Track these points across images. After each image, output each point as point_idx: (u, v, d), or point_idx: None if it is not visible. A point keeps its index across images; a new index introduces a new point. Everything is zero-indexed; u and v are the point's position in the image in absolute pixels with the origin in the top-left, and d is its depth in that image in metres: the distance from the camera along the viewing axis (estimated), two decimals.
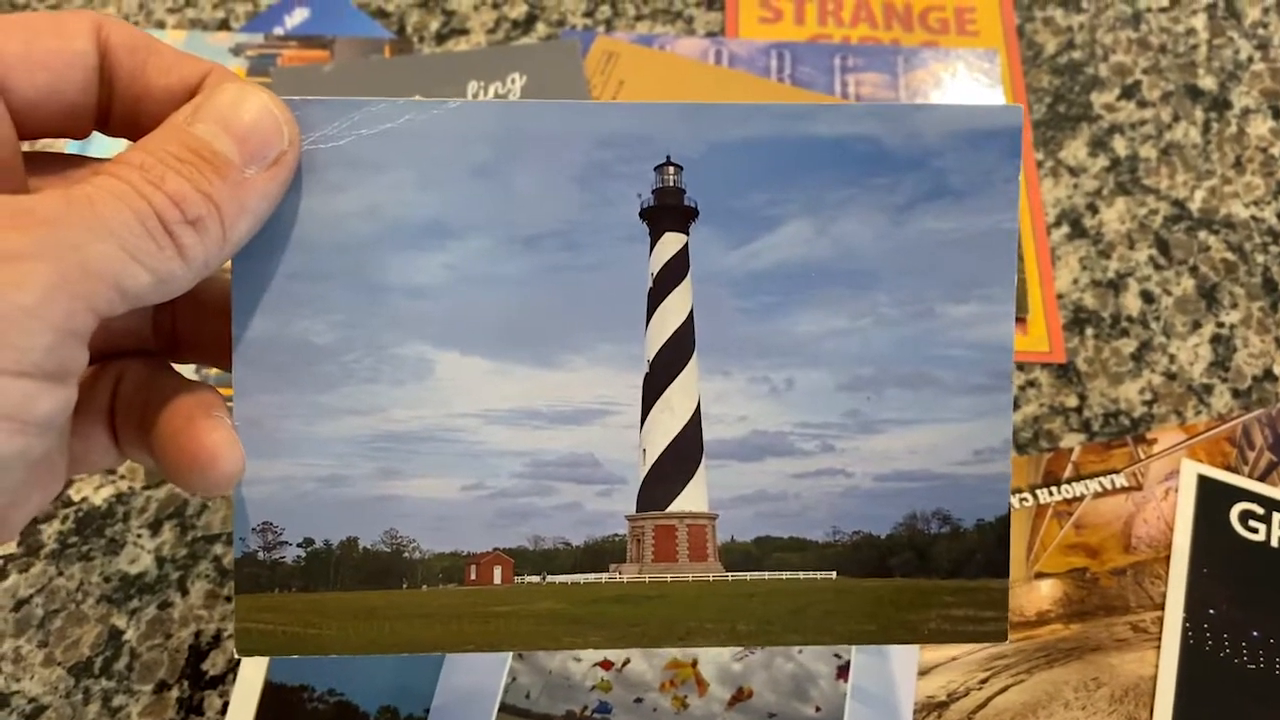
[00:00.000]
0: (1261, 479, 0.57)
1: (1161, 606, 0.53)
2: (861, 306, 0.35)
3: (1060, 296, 0.63)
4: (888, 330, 0.35)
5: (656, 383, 0.38)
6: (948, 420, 0.36)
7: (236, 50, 0.71)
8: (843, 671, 0.50)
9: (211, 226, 0.29)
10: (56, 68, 0.31)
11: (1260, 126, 0.69)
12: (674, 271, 0.37)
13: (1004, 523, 0.36)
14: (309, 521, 0.35)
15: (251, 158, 0.30)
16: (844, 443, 0.36)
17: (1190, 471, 0.56)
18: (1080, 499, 0.56)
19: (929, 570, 0.36)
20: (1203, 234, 0.65)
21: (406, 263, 0.34)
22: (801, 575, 0.37)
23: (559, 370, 0.35)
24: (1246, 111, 0.70)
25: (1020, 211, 0.50)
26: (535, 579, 0.36)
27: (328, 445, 0.35)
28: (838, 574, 0.36)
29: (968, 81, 0.70)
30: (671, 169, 0.35)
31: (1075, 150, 0.68)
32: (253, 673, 0.50)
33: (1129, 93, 0.71)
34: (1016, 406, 0.59)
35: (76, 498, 0.56)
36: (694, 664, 0.51)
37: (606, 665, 0.51)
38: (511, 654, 0.50)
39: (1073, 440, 0.59)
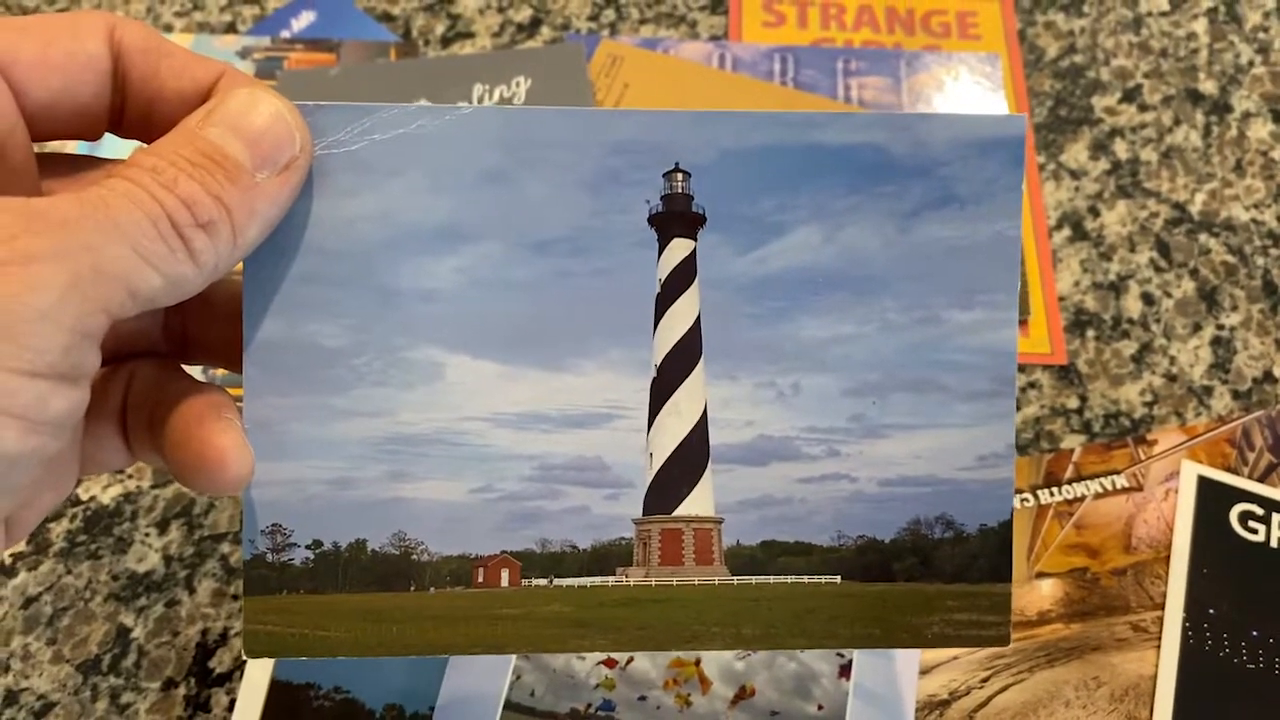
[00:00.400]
0: (1261, 480, 0.57)
1: (1161, 606, 0.53)
2: (868, 312, 0.36)
3: (1061, 298, 0.63)
4: (893, 336, 0.36)
5: (664, 387, 0.38)
6: (952, 425, 0.36)
7: (243, 53, 0.71)
8: (845, 670, 0.50)
9: (222, 230, 0.29)
10: (70, 70, 0.31)
11: (1260, 130, 0.69)
12: (681, 277, 0.37)
13: (1007, 527, 0.36)
14: (318, 524, 0.35)
15: (263, 162, 0.30)
16: (849, 448, 0.36)
17: (1190, 472, 0.57)
18: (1081, 499, 0.57)
19: (932, 575, 0.36)
20: (1203, 237, 0.65)
21: (418, 267, 0.34)
22: (806, 579, 0.37)
23: (568, 374, 0.35)
24: (1247, 115, 0.70)
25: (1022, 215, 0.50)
26: (542, 582, 0.37)
27: (337, 448, 0.35)
28: (842, 578, 0.37)
29: (970, 85, 0.70)
30: (680, 175, 0.35)
31: (1076, 153, 0.69)
32: (259, 670, 0.50)
33: (1130, 96, 0.71)
34: (1018, 408, 0.59)
35: (85, 497, 0.56)
36: (697, 662, 0.51)
37: (610, 663, 0.51)
38: None
39: (1074, 441, 0.59)
